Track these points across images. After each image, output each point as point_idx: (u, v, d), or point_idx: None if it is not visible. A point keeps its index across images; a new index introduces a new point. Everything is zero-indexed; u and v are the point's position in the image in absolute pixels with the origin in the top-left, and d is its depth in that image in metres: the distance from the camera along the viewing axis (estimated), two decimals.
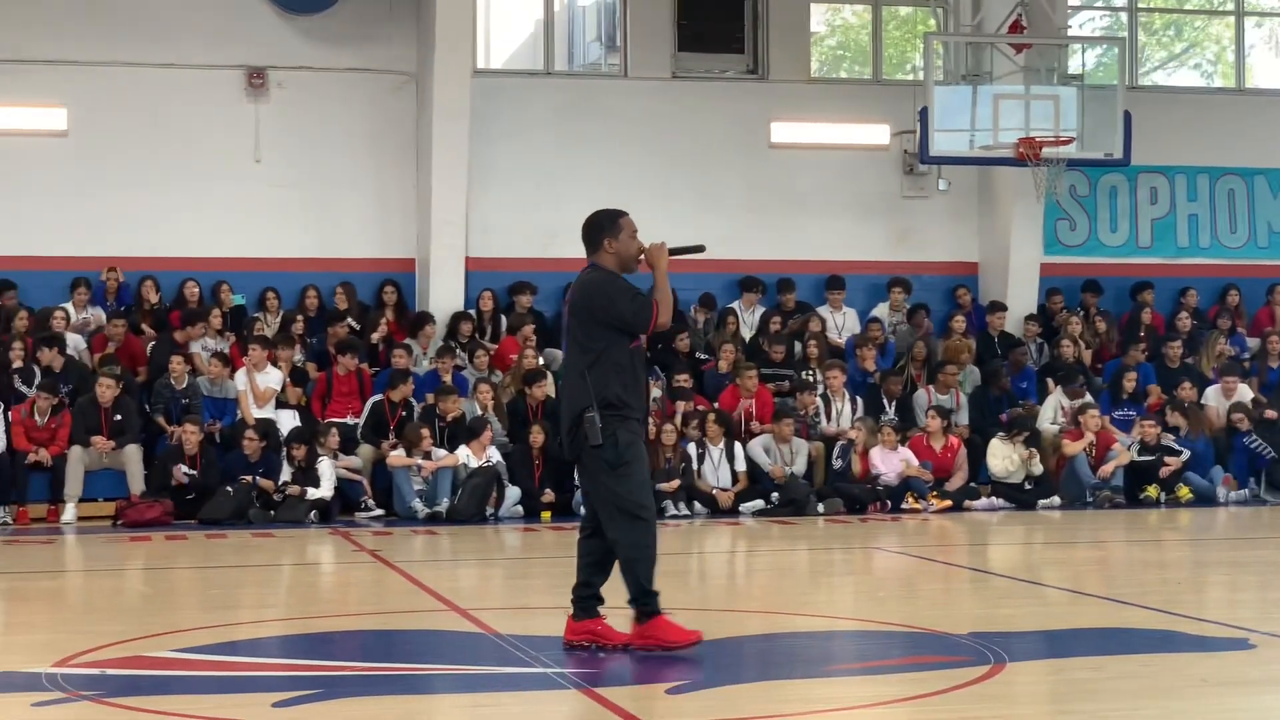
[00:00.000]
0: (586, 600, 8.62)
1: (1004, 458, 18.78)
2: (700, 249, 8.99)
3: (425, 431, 17.70)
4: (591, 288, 8.49)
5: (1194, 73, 25.95)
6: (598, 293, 8.46)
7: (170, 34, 20.78)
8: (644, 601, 8.43)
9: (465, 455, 17.58)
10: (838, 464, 18.45)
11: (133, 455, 17.47)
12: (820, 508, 17.93)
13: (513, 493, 17.59)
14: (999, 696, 7.46)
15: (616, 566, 8.55)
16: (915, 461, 18.49)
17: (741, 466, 18.29)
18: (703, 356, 20.54)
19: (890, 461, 18.39)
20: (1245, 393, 20.26)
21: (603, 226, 8.65)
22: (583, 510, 9.03)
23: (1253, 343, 22.51)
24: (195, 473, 17.25)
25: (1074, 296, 22.80)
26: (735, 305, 21.47)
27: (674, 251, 8.72)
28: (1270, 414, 19.81)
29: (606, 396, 8.34)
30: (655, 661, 8.32)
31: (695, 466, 18.13)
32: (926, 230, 23.02)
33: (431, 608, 10.40)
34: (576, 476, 8.92)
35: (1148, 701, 7.31)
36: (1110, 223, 23.57)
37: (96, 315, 19.62)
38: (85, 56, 20.53)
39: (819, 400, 19.41)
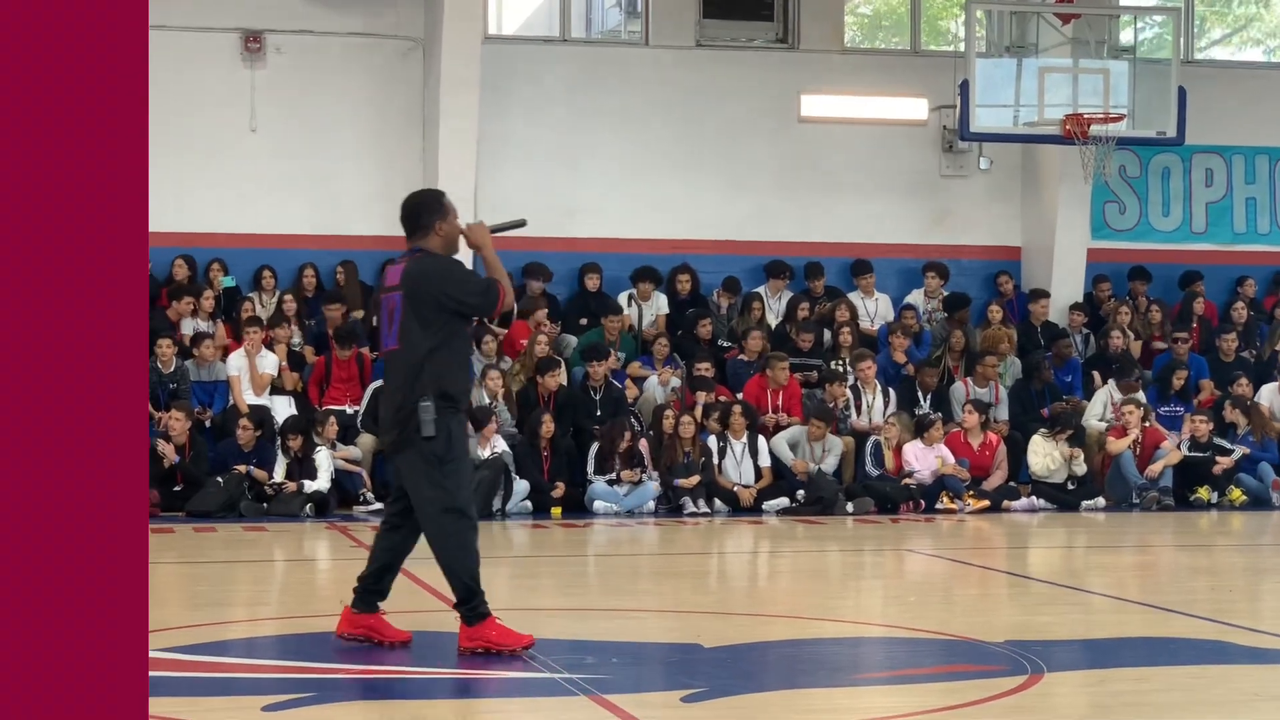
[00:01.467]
0: (370, 594, 8.75)
1: (1045, 455, 18.74)
2: (521, 223, 9.09)
3: None
4: (431, 273, 8.40)
5: (1254, 47, 25.83)
6: (439, 278, 8.38)
7: None
8: (473, 603, 8.46)
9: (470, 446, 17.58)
10: (874, 473, 18.39)
11: None
12: (849, 507, 17.90)
13: (521, 486, 17.55)
14: (1036, 709, 7.44)
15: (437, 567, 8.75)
16: (951, 459, 18.45)
17: (765, 462, 18.27)
18: (725, 344, 20.50)
19: (925, 458, 18.34)
20: None
21: (431, 209, 8.57)
22: (391, 502, 9.05)
23: None
24: (179, 458, 17.28)
25: (1122, 284, 22.69)
26: (761, 290, 21.40)
27: (494, 229, 8.78)
28: None
29: (444, 387, 8.31)
30: (670, 668, 8.34)
31: (716, 461, 18.12)
32: (966, 212, 22.96)
33: (433, 608, 10.40)
34: (394, 470, 8.92)
35: (1195, 716, 7.29)
36: (1162, 206, 23.49)
37: None
38: None
39: (849, 392, 19.34)
